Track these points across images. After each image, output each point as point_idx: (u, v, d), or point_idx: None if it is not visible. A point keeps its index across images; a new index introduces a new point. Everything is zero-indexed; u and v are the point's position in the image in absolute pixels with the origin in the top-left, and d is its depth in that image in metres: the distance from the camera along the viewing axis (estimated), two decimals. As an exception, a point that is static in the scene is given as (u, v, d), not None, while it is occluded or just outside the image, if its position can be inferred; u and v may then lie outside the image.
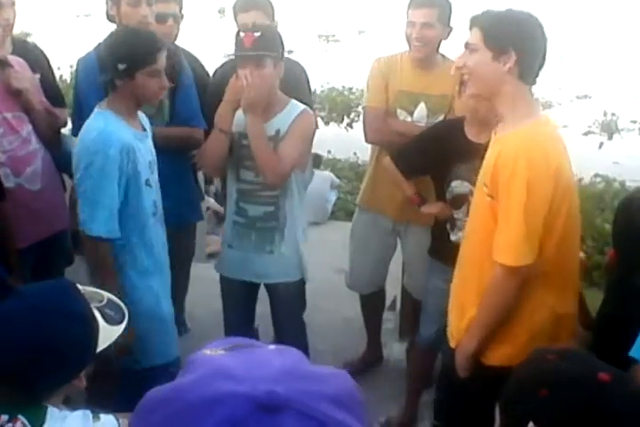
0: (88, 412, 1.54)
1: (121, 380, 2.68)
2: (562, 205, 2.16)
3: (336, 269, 3.82)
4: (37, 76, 3.29)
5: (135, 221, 2.55)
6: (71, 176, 4.24)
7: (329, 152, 7.27)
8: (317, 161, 6.81)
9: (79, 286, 1.63)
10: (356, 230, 3.60)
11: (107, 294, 1.72)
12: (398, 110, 3.29)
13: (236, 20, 3.41)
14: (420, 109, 3.26)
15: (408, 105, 3.28)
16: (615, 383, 1.29)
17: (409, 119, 3.29)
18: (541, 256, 2.15)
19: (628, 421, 1.26)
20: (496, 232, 2.16)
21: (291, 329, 3.11)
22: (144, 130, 2.66)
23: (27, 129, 2.87)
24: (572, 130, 8.80)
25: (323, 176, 6.40)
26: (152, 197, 2.61)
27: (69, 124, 3.38)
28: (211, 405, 0.74)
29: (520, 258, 2.12)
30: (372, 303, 3.72)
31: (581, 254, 2.58)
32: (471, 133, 2.85)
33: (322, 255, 3.13)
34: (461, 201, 2.87)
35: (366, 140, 3.44)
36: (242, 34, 2.72)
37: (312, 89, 3.74)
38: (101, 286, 2.49)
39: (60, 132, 3.36)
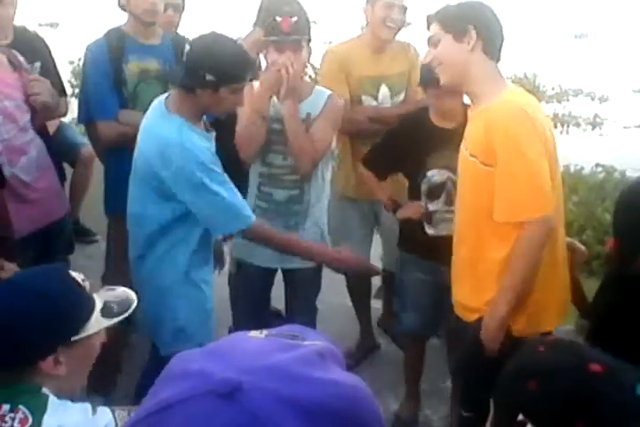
0: (88, 405, 1.55)
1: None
2: (550, 158, 2.22)
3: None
4: (37, 64, 3.29)
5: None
6: (72, 165, 4.29)
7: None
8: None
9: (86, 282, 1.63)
10: (333, 217, 3.54)
11: (129, 295, 1.72)
12: (363, 97, 3.33)
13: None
14: (383, 91, 3.32)
15: (371, 89, 3.33)
16: (608, 375, 1.28)
17: (374, 103, 3.33)
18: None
19: (622, 413, 1.25)
20: (503, 195, 2.18)
21: (303, 314, 3.08)
22: (207, 131, 2.56)
23: (25, 119, 2.84)
24: (625, 123, 8.73)
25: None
26: None
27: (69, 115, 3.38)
28: (179, 377, 0.75)
29: (544, 207, 2.16)
30: (358, 289, 3.69)
31: (582, 246, 2.59)
32: (438, 120, 2.87)
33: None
34: (439, 191, 2.86)
35: (339, 132, 3.46)
36: (278, 18, 2.73)
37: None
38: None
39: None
